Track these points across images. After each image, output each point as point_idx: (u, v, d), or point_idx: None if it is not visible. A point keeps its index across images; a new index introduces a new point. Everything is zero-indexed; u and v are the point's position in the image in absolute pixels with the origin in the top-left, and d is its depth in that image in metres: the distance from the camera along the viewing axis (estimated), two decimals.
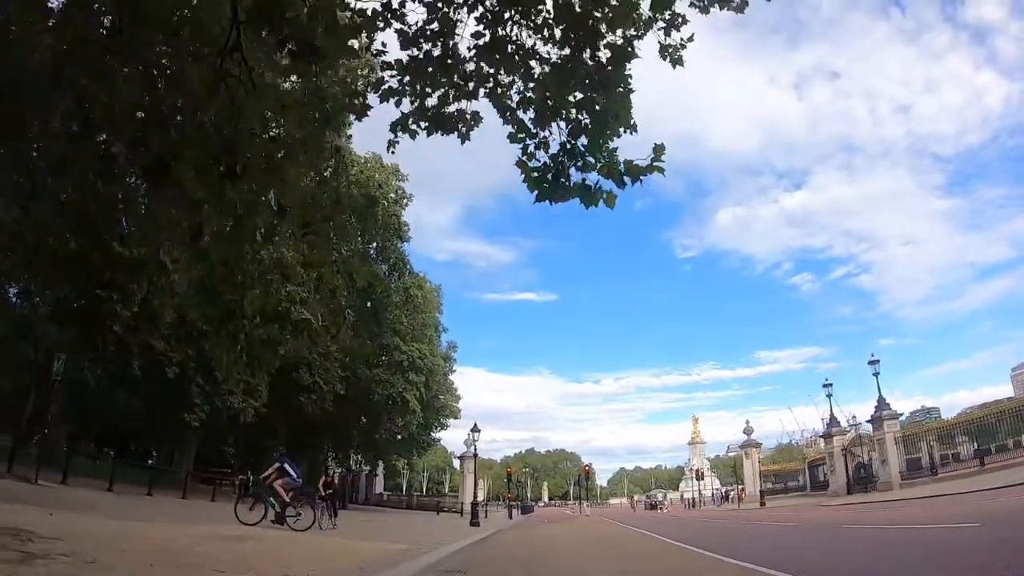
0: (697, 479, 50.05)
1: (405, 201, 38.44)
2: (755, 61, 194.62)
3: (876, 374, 36.95)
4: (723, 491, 53.73)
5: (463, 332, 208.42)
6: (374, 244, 37.38)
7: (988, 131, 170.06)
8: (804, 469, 49.08)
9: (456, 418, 45.63)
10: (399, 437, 37.91)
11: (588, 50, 5.46)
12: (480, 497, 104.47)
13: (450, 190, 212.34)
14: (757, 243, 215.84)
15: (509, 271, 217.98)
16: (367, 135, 68.31)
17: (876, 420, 36.34)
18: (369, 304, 37.62)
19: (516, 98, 5.91)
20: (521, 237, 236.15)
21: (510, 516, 38.00)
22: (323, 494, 16.69)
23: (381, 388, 34.03)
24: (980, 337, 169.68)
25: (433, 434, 46.37)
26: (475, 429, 27.21)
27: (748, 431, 50.47)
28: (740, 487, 51.72)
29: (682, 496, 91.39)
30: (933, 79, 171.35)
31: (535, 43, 5.57)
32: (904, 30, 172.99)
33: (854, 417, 57.00)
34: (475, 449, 26.50)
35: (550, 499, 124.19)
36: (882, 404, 36.48)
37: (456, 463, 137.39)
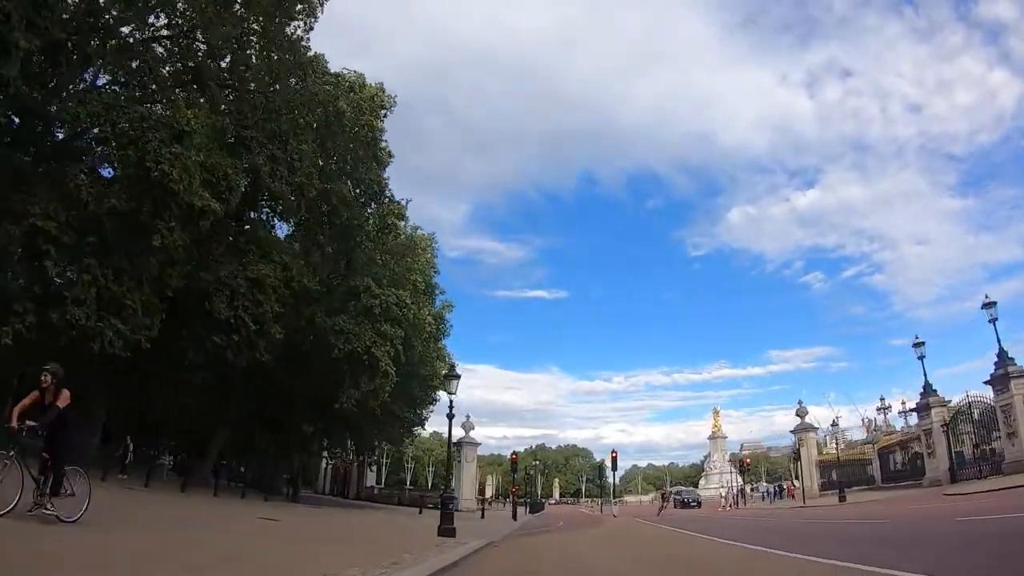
0: (740, 471, 40.02)
1: (384, 113, 28.88)
2: (766, 60, 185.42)
3: (993, 320, 27.15)
4: (778, 486, 43.39)
5: (473, 329, 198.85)
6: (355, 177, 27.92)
7: (1001, 131, 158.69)
8: (873, 457, 38.87)
9: (449, 392, 35.86)
10: (376, 410, 28.09)
11: None
12: (488, 493, 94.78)
13: (461, 188, 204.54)
14: (768, 242, 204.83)
15: (520, 268, 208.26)
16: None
17: (999, 380, 26.30)
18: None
19: None
20: (531, 235, 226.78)
21: (515, 516, 28.17)
22: (11, 426, 6.54)
23: (343, 341, 24.36)
24: (992, 338, 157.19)
25: (421, 412, 36.54)
26: (452, 375, 17.26)
27: (802, 413, 40.28)
28: (789, 482, 41.69)
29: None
30: (946, 78, 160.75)
31: None
32: (917, 29, 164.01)
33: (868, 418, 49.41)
34: (451, 406, 16.75)
35: (561, 496, 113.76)
36: (1004, 359, 26.43)
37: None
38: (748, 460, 46.88)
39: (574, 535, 17.41)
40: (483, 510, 29.26)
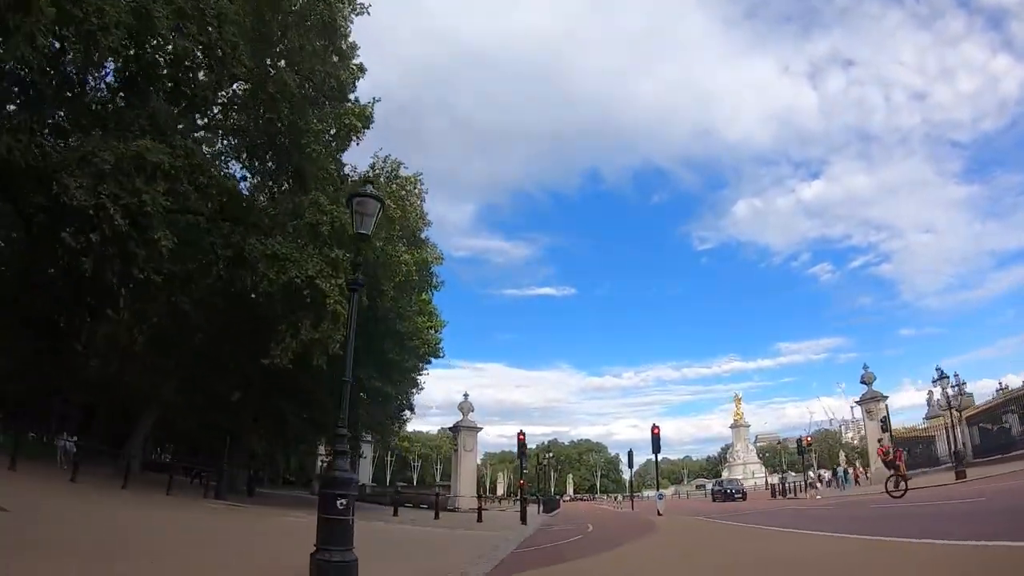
0: (803, 451, 31.72)
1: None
2: (768, 51, 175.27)
3: None
4: (843, 469, 34.82)
5: (482, 328, 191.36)
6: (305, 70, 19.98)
7: (1006, 117, 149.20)
8: (959, 426, 30.32)
9: (438, 356, 27.96)
10: (323, 369, 20.13)
11: None
12: (500, 491, 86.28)
13: (466, 188, 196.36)
14: (775, 234, 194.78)
15: (527, 267, 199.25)
16: None
17: None
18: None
19: None
20: (538, 233, 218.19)
21: (523, 518, 19.93)
22: None
23: (276, 269, 16.58)
24: (1002, 325, 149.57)
25: (408, 390, 28.62)
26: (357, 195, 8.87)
27: (867, 379, 32.02)
28: (855, 465, 33.48)
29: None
30: (948, 66, 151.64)
31: None
32: (918, 16, 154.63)
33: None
34: (357, 256, 9.57)
35: (575, 493, 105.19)
36: None
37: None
38: (810, 440, 37.82)
39: (643, 557, 9.39)
40: (480, 510, 20.84)
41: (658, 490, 26.18)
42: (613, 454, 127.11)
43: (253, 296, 18.01)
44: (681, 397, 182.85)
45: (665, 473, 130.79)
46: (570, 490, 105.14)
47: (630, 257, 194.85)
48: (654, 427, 22.36)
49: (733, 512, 21.21)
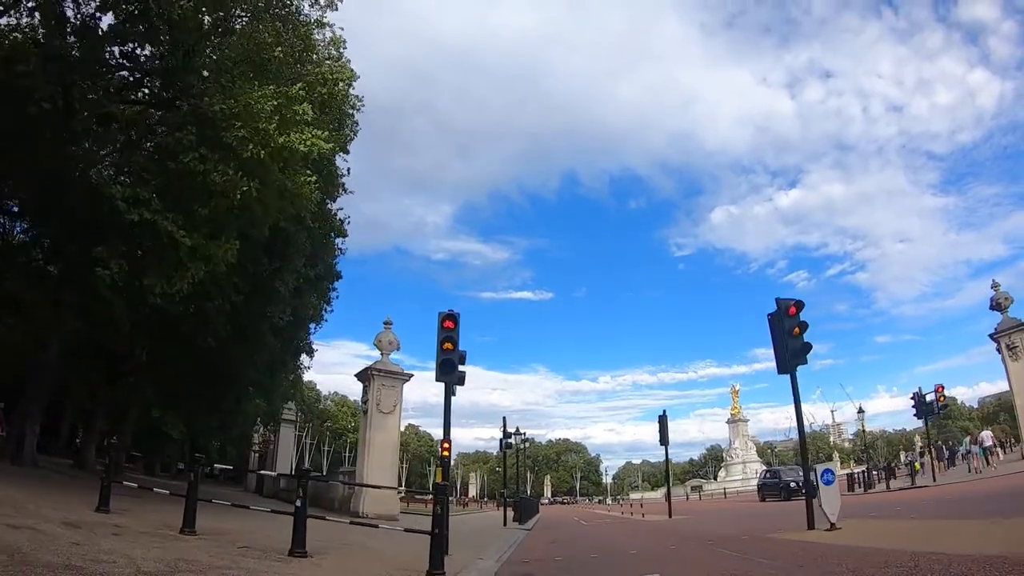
0: (930, 414, 19.70)
1: None
2: (747, 61, 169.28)
3: None
4: (970, 446, 22.83)
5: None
6: None
7: (982, 130, 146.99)
8: None
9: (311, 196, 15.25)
10: None
11: None
12: (472, 493, 72.55)
13: (445, 190, 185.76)
14: (751, 241, 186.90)
15: (505, 270, 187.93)
16: None
17: None
18: None
19: None
20: (516, 236, 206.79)
21: (435, 561, 6.47)
22: None
23: None
24: (976, 334, 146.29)
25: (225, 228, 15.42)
26: None
27: (1002, 302, 20.26)
28: (987, 438, 21.94)
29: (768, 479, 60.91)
30: (926, 78, 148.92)
31: None
32: (896, 29, 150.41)
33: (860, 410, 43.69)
34: None
35: (553, 495, 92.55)
36: None
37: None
38: (942, 388, 24.00)
39: None
40: (300, 515, 6.52)
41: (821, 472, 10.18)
42: (593, 455, 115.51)
43: None
44: (658, 401, 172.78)
45: (645, 476, 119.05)
46: (548, 492, 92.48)
47: (607, 262, 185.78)
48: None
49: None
